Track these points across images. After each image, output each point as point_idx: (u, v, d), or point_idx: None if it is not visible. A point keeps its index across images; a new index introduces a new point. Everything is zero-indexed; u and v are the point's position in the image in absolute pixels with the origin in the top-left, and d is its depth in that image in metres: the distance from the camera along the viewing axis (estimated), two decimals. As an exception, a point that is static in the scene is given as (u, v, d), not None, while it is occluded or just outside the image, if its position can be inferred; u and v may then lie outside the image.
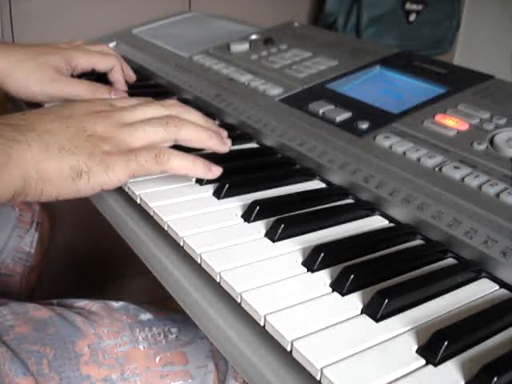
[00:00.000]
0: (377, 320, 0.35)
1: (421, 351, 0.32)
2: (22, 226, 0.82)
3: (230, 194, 0.50)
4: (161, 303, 0.65)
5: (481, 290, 0.39)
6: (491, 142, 0.51)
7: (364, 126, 0.56)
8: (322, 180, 0.54)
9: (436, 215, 0.44)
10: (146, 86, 0.81)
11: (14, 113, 0.48)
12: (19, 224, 0.81)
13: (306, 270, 0.40)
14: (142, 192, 0.49)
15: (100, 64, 0.73)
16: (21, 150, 0.42)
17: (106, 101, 0.54)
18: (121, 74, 0.75)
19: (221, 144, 0.53)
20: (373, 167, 0.51)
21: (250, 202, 0.47)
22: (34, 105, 0.67)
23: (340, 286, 0.37)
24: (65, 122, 0.47)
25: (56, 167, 0.43)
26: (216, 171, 0.50)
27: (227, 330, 0.37)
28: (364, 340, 0.33)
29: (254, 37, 0.85)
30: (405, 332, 0.34)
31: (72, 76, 0.72)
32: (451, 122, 0.55)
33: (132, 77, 0.79)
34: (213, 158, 0.54)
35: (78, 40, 0.81)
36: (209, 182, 0.51)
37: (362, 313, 0.36)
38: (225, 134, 0.57)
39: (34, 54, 0.67)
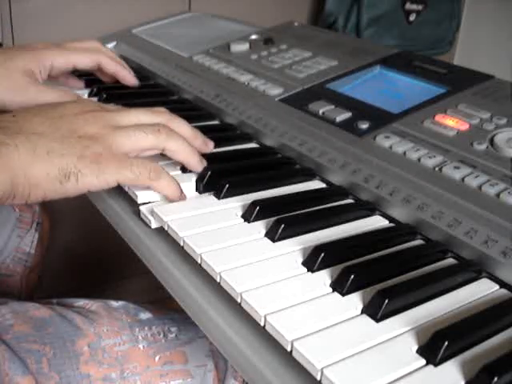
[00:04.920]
0: (377, 320, 0.35)
1: (421, 351, 0.33)
2: (22, 226, 0.82)
3: (230, 193, 0.49)
4: (161, 303, 0.65)
5: (481, 290, 0.39)
6: (491, 141, 0.51)
7: (364, 125, 0.56)
8: (322, 180, 0.54)
9: (436, 215, 0.44)
10: (146, 86, 0.81)
11: (3, 114, 0.48)
12: (19, 224, 0.81)
13: (306, 270, 0.40)
14: (142, 192, 0.49)
15: (81, 62, 0.68)
16: (8, 153, 0.42)
17: (97, 103, 0.54)
18: (114, 65, 0.70)
19: (199, 164, 0.53)
20: (373, 167, 0.51)
21: (249, 202, 0.47)
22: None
23: (340, 286, 0.37)
24: (55, 123, 0.47)
25: (43, 170, 0.43)
26: (183, 197, 0.50)
27: (227, 330, 0.37)
28: (364, 340, 0.33)
29: (253, 37, 0.85)
30: (405, 332, 0.34)
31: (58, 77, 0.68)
32: (451, 122, 0.55)
33: (131, 81, 0.74)
34: (213, 157, 0.55)
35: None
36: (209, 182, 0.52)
37: (362, 313, 0.36)
38: (211, 146, 0.56)
39: (2, 60, 0.63)
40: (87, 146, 0.46)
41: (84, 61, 0.69)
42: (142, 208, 0.49)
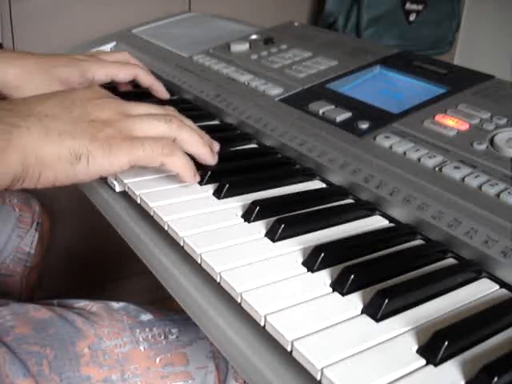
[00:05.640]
0: (377, 320, 0.35)
1: (421, 351, 0.32)
2: (22, 226, 0.82)
3: (230, 194, 0.49)
4: (161, 303, 0.65)
5: (481, 290, 0.39)
6: (491, 141, 0.51)
7: (364, 125, 0.56)
8: (322, 180, 0.54)
9: (436, 215, 0.44)
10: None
11: (15, 99, 0.48)
12: (19, 224, 0.82)
13: (306, 270, 0.40)
14: (141, 192, 0.49)
15: (120, 75, 0.69)
16: (20, 134, 0.42)
17: (107, 92, 0.54)
18: (151, 79, 0.71)
19: (211, 155, 0.53)
20: (373, 167, 0.51)
21: (249, 202, 0.47)
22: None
23: (340, 285, 0.37)
24: (67, 107, 0.47)
25: (55, 151, 0.43)
26: (197, 178, 0.51)
27: (227, 330, 0.37)
28: (364, 340, 0.33)
29: (254, 37, 0.85)
30: (405, 332, 0.34)
31: None
32: (451, 122, 0.55)
33: (164, 95, 0.73)
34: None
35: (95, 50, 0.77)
36: (209, 181, 0.52)
37: (362, 313, 0.36)
38: (217, 147, 0.56)
39: (46, 66, 0.64)
40: (99, 130, 0.46)
41: (122, 74, 0.70)
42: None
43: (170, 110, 0.54)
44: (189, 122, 0.54)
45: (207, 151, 0.52)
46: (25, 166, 0.42)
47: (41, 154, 0.43)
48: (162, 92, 0.72)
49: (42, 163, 0.43)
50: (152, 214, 0.47)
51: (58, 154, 0.43)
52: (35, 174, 0.43)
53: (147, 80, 0.71)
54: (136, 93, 0.74)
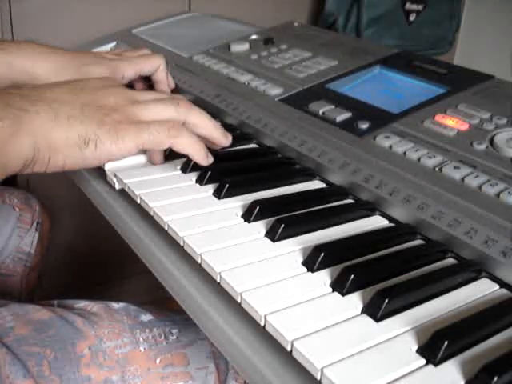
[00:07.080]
0: (377, 320, 0.35)
1: (421, 351, 0.32)
2: (22, 226, 0.82)
3: (230, 194, 0.50)
4: (161, 303, 0.65)
5: (481, 290, 0.39)
6: (491, 142, 0.51)
7: (364, 125, 0.56)
8: (322, 180, 0.54)
9: (436, 215, 0.44)
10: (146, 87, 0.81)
11: (26, 85, 0.48)
12: (19, 224, 0.82)
13: (306, 269, 0.40)
14: (142, 192, 0.49)
15: (145, 68, 0.69)
16: (30, 119, 0.43)
17: (117, 82, 0.55)
18: (165, 74, 0.70)
19: (224, 136, 0.53)
20: (373, 167, 0.51)
21: (249, 202, 0.47)
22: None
23: (340, 285, 0.37)
24: (76, 94, 0.48)
25: (63, 135, 0.44)
26: (210, 159, 0.51)
27: (227, 330, 0.37)
28: (364, 340, 0.33)
29: (254, 37, 0.85)
30: (405, 332, 0.34)
31: None
32: (451, 122, 0.55)
33: (171, 84, 0.73)
34: (213, 157, 0.55)
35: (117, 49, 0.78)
36: (209, 181, 0.52)
37: (362, 313, 0.36)
38: (230, 136, 0.57)
39: (78, 64, 0.63)
40: (106, 115, 0.47)
41: (148, 67, 0.69)
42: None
43: (181, 99, 0.54)
44: (198, 108, 0.54)
45: (219, 133, 0.53)
46: (36, 149, 0.43)
47: (50, 137, 0.44)
48: (163, 88, 0.71)
49: (52, 147, 0.44)
50: (152, 213, 0.48)
51: (66, 138, 0.44)
52: (45, 157, 0.44)
53: (165, 72, 0.70)
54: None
